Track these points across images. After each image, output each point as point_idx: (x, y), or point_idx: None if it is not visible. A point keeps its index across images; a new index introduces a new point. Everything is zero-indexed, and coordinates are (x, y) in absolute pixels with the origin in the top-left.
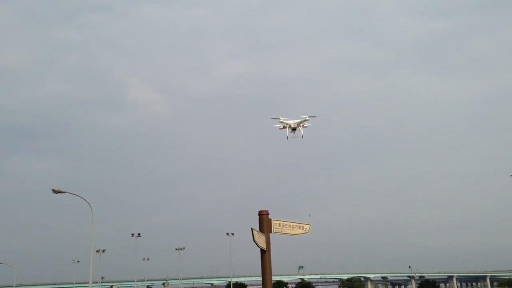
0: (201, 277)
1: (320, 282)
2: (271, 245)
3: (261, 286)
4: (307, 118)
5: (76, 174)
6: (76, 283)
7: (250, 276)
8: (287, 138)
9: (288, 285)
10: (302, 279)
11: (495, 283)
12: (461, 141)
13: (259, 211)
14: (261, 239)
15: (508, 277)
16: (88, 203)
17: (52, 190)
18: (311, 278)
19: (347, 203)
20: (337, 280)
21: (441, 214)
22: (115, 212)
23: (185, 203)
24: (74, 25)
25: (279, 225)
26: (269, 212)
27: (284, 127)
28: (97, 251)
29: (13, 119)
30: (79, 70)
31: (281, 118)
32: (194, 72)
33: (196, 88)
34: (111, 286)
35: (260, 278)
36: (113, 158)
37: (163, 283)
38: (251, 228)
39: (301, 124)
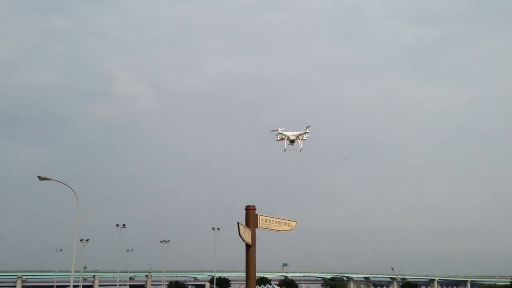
0: (185, 271)
1: (303, 280)
2: (256, 241)
3: (245, 282)
4: (307, 131)
5: (62, 163)
6: (58, 272)
7: (234, 272)
8: (284, 151)
9: (271, 282)
10: (285, 276)
11: None
12: (447, 147)
13: (246, 206)
14: (246, 234)
15: (488, 282)
16: (74, 191)
17: (38, 176)
18: (294, 276)
19: (332, 204)
20: (320, 279)
21: (424, 218)
22: (101, 202)
23: (171, 197)
24: (65, 14)
25: (266, 221)
26: (255, 207)
27: (282, 139)
28: (80, 240)
29: (0, 106)
30: (69, 60)
31: (279, 129)
32: (184, 67)
33: (186, 84)
34: (94, 276)
35: (244, 274)
36: (100, 149)
37: (146, 275)
38: (237, 223)
39: (300, 137)
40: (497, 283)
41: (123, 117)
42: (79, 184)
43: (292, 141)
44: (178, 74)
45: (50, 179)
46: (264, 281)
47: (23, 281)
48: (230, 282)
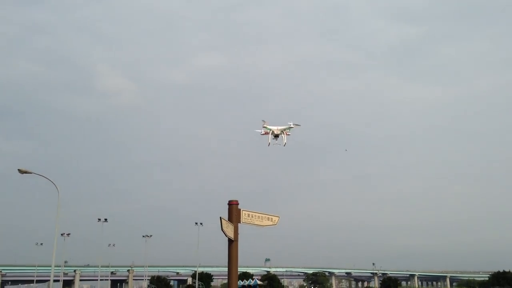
0: (167, 266)
1: (286, 275)
2: (239, 236)
3: (227, 277)
4: (291, 126)
5: (43, 157)
6: (38, 266)
7: (217, 267)
8: (268, 145)
9: (253, 277)
10: (268, 271)
11: (454, 283)
12: (428, 145)
13: (229, 201)
14: (229, 229)
15: (467, 278)
16: (55, 184)
17: (18, 170)
18: (277, 271)
19: (314, 200)
20: (302, 274)
21: (405, 214)
22: (82, 197)
23: (154, 192)
24: (47, 6)
25: (248, 216)
26: (238, 202)
27: (267, 133)
28: (61, 234)
29: None
30: (51, 52)
31: (265, 123)
32: (168, 62)
33: (170, 78)
34: (75, 270)
35: (226, 269)
36: (82, 143)
37: (128, 270)
38: (220, 217)
39: (284, 132)
40: (475, 278)
41: (106, 111)
42: (60, 177)
43: (276, 136)
44: (162, 69)
45: (30, 173)
46: (246, 276)
47: (2, 275)
48: (213, 277)
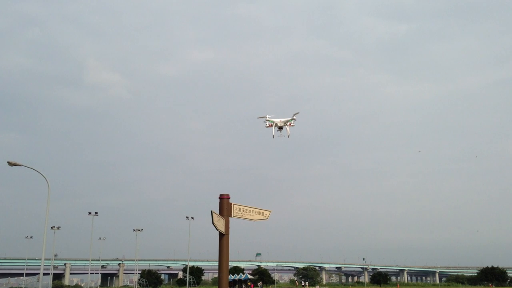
0: (158, 260)
1: (277, 270)
2: (230, 230)
3: (218, 271)
4: (294, 118)
5: (33, 150)
6: (28, 259)
7: (208, 261)
8: (273, 137)
9: (244, 271)
10: (259, 266)
11: (443, 279)
12: (417, 141)
13: (220, 195)
14: (220, 223)
15: (455, 273)
16: (45, 177)
17: (8, 162)
18: (267, 266)
19: (305, 195)
20: (293, 268)
21: (395, 211)
22: (73, 190)
23: (145, 186)
24: None
25: (239, 210)
26: (230, 196)
27: (270, 126)
28: (51, 227)
29: None
30: (41, 45)
31: (267, 116)
32: (159, 57)
33: (160, 73)
34: (65, 264)
35: (217, 263)
36: (73, 136)
37: (118, 264)
38: (211, 211)
39: (288, 123)
40: (464, 274)
41: (95, 105)
42: (50, 170)
43: (280, 128)
44: (152, 63)
45: (20, 165)
46: (237, 270)
47: None
48: (204, 271)
